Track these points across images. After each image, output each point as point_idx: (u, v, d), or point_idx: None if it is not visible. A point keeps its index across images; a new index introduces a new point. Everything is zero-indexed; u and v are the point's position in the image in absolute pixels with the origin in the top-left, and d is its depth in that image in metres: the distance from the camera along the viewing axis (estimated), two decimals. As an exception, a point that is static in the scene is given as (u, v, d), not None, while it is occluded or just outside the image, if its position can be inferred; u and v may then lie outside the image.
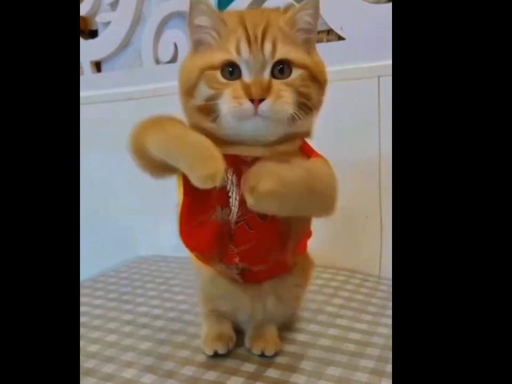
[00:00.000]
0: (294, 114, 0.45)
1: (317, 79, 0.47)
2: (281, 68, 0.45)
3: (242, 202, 0.47)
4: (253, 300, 0.56)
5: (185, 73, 0.48)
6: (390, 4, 0.84)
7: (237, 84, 0.44)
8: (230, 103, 0.44)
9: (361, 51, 0.85)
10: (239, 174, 0.48)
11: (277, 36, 0.45)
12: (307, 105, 0.46)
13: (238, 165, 0.48)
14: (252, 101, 0.43)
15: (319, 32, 0.93)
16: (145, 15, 1.13)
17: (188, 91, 0.47)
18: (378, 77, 0.83)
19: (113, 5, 1.15)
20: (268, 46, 0.44)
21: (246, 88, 0.44)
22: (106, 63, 1.23)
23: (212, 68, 0.45)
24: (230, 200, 0.49)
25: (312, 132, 0.51)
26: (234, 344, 0.56)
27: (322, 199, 0.46)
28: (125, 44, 1.16)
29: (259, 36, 0.45)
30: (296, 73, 0.46)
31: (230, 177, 0.48)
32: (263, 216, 0.48)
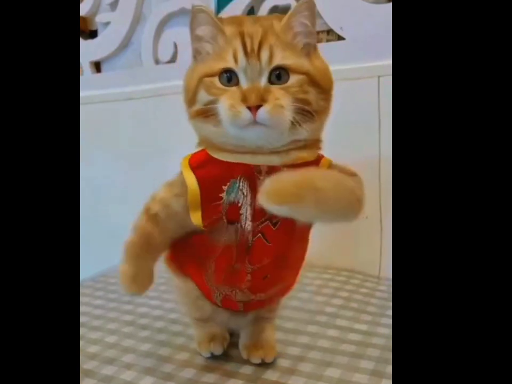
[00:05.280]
0: (293, 120, 0.44)
1: (317, 84, 0.46)
2: (278, 74, 0.44)
3: (256, 213, 0.46)
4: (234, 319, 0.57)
5: (186, 83, 0.48)
6: (390, 4, 0.84)
7: (233, 90, 0.44)
8: (227, 110, 0.43)
9: (361, 51, 0.85)
10: (252, 185, 0.46)
11: (274, 43, 0.44)
12: (307, 111, 0.45)
13: (252, 175, 0.46)
14: (249, 108, 0.42)
15: (318, 32, 0.93)
16: (145, 15, 1.13)
17: (190, 100, 0.47)
18: (378, 77, 0.83)
19: (113, 5, 1.15)
20: (264, 54, 0.44)
21: (243, 95, 0.43)
22: (106, 63, 1.23)
23: (210, 75, 0.45)
24: (242, 214, 0.47)
25: (322, 139, 0.50)
26: (228, 343, 0.57)
27: (350, 197, 0.45)
28: (125, 44, 1.16)
29: (256, 44, 0.44)
30: (293, 78, 0.45)
31: (242, 188, 0.46)
32: (275, 223, 0.47)
